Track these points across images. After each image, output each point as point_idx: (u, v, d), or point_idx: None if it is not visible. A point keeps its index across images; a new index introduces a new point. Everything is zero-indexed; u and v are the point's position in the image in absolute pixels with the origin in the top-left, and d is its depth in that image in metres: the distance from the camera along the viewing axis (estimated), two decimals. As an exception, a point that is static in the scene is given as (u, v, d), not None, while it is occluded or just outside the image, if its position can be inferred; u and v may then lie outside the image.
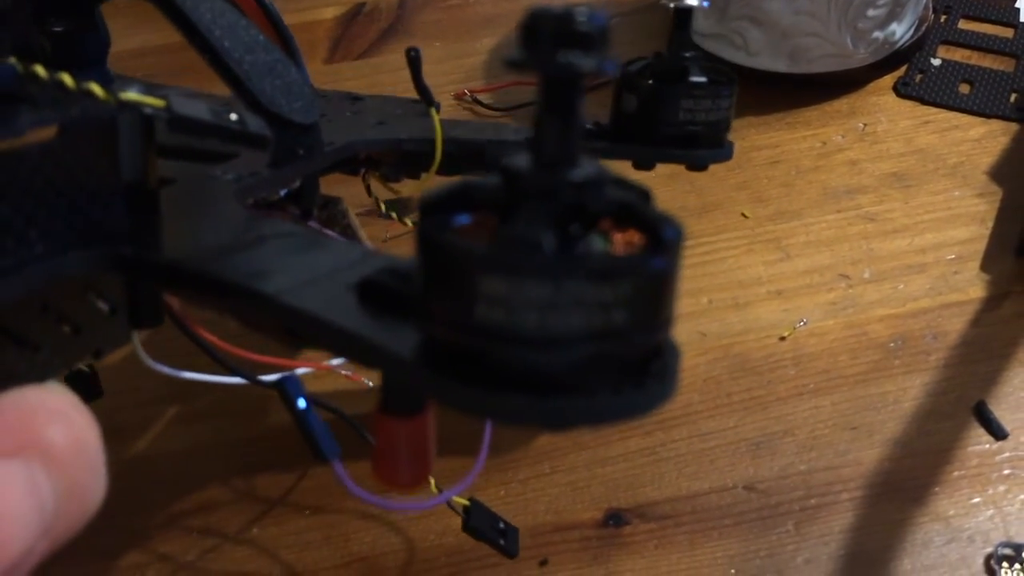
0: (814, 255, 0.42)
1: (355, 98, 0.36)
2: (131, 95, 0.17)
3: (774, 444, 0.35)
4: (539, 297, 0.13)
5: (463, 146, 0.31)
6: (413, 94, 0.35)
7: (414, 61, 0.31)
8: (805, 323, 0.39)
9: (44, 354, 0.18)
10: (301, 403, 0.25)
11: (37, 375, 0.16)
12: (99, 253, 0.18)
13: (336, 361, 0.28)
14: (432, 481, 0.28)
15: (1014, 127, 0.47)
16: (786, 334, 0.39)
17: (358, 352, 0.15)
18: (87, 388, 0.27)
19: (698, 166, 0.32)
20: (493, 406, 0.14)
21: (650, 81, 0.30)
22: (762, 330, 0.39)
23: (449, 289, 0.13)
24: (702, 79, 0.30)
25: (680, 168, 0.34)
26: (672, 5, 0.30)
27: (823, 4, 0.45)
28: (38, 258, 0.17)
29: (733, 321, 0.40)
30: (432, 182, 0.33)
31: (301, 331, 0.17)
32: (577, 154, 0.14)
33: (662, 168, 0.33)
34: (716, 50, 0.50)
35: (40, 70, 0.16)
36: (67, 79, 0.16)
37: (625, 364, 0.14)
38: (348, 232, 0.35)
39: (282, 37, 0.28)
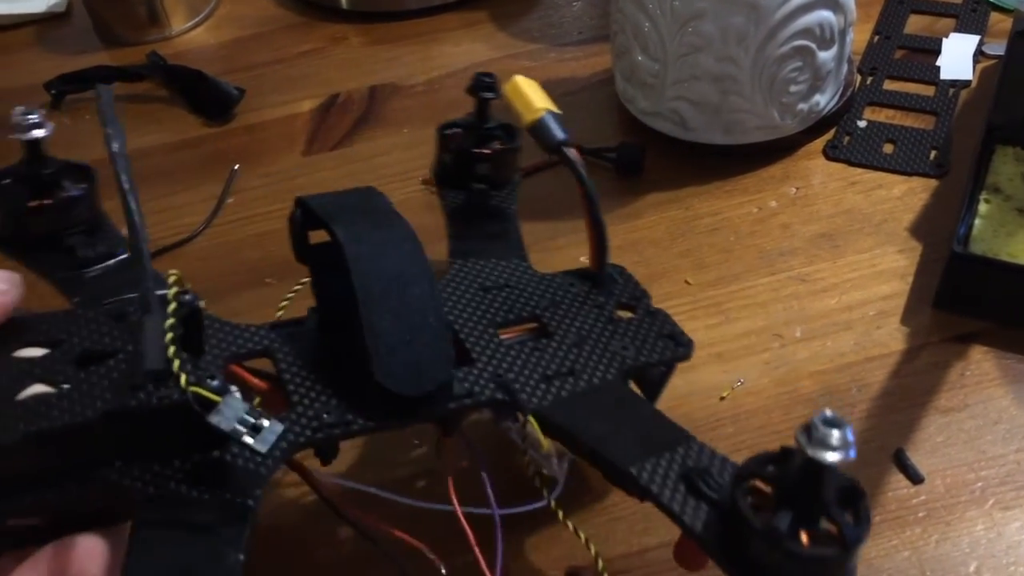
0: (751, 317, 0.46)
1: None
2: (195, 388, 0.26)
3: (715, 499, 0.39)
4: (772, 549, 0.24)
5: None
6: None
7: None
8: (742, 383, 0.43)
9: None
10: None
11: None
12: None
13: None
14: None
15: (933, 183, 0.51)
16: (725, 394, 0.43)
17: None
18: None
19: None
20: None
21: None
22: (704, 392, 0.43)
23: (747, 533, 0.25)
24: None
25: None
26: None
27: (748, 85, 0.49)
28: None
29: (679, 384, 0.43)
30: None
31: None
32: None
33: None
34: (657, 126, 0.54)
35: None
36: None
37: None
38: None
39: None
